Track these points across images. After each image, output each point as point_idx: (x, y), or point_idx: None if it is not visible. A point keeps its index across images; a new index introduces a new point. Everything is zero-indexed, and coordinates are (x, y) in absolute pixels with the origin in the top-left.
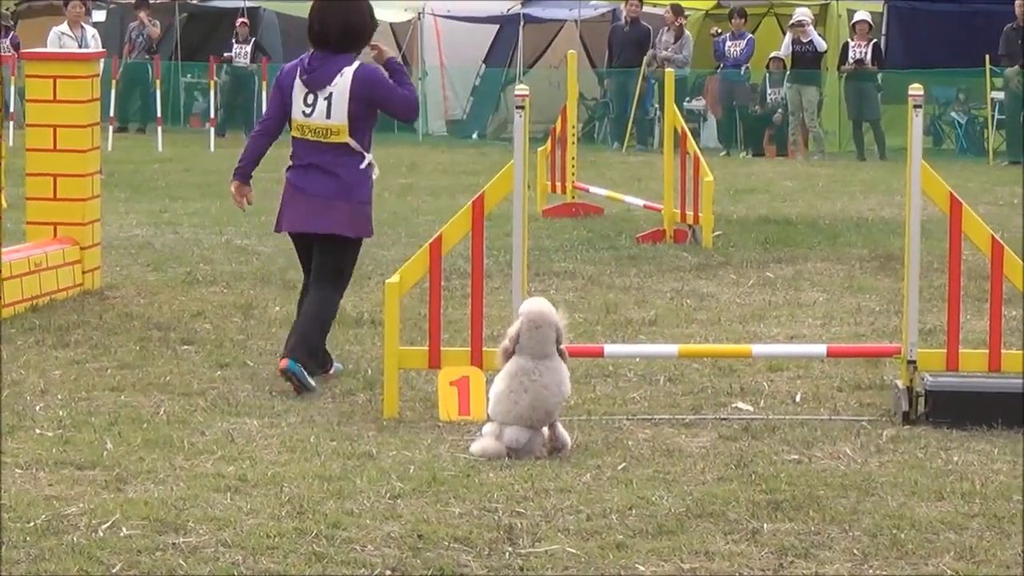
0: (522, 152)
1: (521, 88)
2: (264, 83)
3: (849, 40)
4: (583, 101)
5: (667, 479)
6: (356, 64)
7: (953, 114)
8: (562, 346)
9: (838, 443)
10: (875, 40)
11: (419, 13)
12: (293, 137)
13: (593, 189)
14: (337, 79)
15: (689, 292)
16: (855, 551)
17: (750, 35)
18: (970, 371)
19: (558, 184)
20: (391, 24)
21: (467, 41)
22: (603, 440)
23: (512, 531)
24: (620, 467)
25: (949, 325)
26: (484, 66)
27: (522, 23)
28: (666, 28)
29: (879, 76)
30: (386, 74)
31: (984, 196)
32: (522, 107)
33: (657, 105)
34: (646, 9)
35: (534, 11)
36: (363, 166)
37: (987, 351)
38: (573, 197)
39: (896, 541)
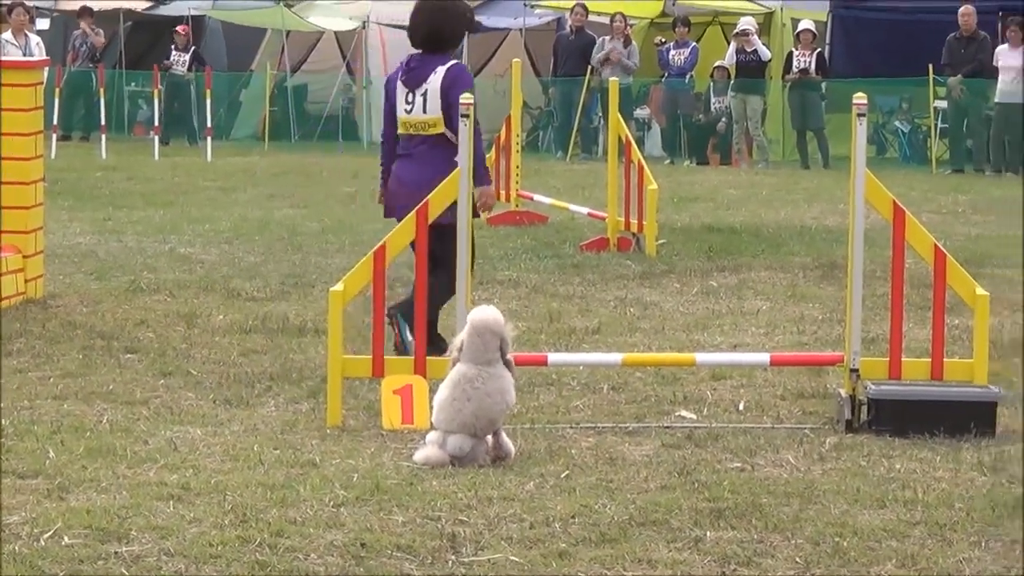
0: (467, 160)
1: (466, 97)
2: (208, 91)
3: (793, 49)
4: (527, 109)
5: (610, 487)
6: (450, 63)
7: (896, 123)
8: (508, 356)
9: (781, 451)
10: (819, 49)
11: (364, 22)
12: (399, 134)
13: (537, 197)
14: (432, 77)
15: (633, 301)
16: (797, 559)
17: (694, 44)
18: (912, 379)
19: (502, 192)
20: (336, 33)
21: (411, 50)
22: (546, 448)
23: (455, 539)
24: (563, 475)
25: (892, 334)
26: None
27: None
28: (609, 37)
29: (823, 85)
30: (471, 80)
31: (927, 204)
32: (467, 115)
33: (601, 114)
34: (591, 18)
35: (479, 19)
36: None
37: (929, 360)
38: (517, 205)
39: (838, 549)
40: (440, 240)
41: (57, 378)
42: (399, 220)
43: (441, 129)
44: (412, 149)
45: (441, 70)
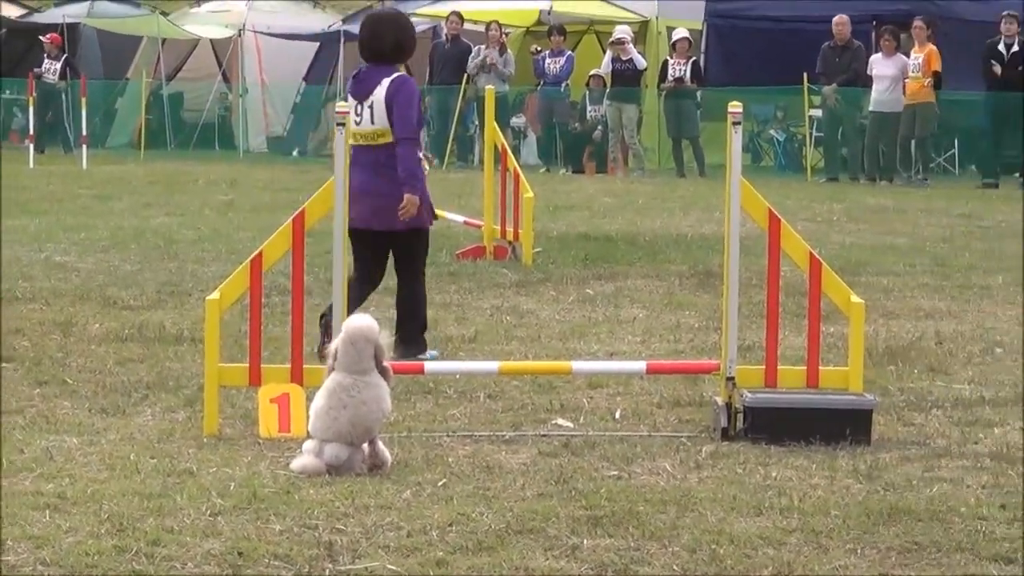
0: (343, 168)
1: (342, 105)
2: (83, 99)
3: (669, 58)
4: None
5: (487, 495)
6: (395, 75)
7: (772, 131)
8: (385, 363)
9: (658, 459)
10: (694, 58)
11: (239, 30)
12: (351, 144)
13: None
14: (376, 89)
15: (509, 309)
16: (674, 567)
17: (570, 52)
18: (788, 387)
19: None
20: (211, 40)
21: (288, 58)
22: (423, 457)
23: (332, 548)
24: (440, 484)
25: (768, 341)
26: (304, 83)
27: (343, 40)
28: (485, 46)
29: (698, 94)
30: (415, 91)
31: (802, 213)
32: (342, 123)
33: (477, 122)
34: (467, 26)
35: (355, 28)
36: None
37: (805, 367)
38: None
39: (715, 556)
40: (394, 248)
41: None
42: (353, 229)
43: (389, 139)
44: (363, 159)
45: (386, 82)
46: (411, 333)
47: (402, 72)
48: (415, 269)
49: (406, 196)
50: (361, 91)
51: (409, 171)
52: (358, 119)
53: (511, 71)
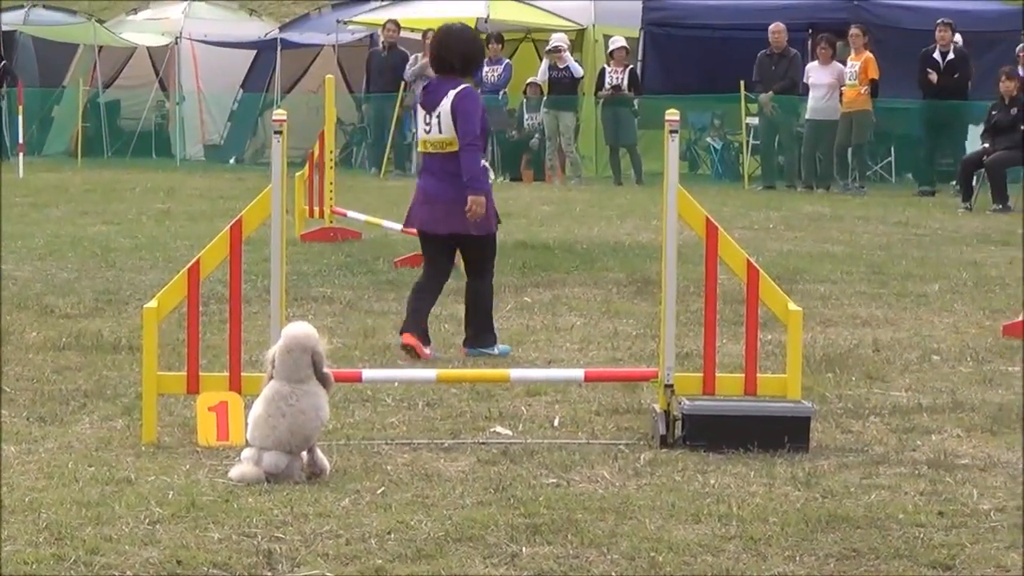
0: (280, 176)
1: (279, 113)
2: (20, 107)
3: (606, 66)
4: (341, 126)
5: (426, 503)
6: (460, 87)
7: (709, 139)
8: (325, 371)
9: (596, 467)
10: (631, 66)
11: (176, 38)
12: (420, 152)
13: (351, 214)
14: (443, 100)
15: (447, 317)
16: (613, 574)
17: (507, 60)
18: (726, 395)
19: (316, 209)
20: (148, 48)
21: (224, 66)
22: (362, 464)
23: (271, 556)
24: (379, 491)
25: (705, 349)
26: (242, 91)
27: (280, 48)
28: (422, 54)
29: (635, 102)
30: (479, 103)
31: (739, 220)
32: (280, 132)
33: (415, 130)
34: (404, 34)
35: (291, 36)
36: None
37: (743, 375)
38: (331, 222)
39: (654, 564)
40: (463, 250)
41: None
42: (423, 231)
43: (456, 147)
44: (433, 167)
45: (452, 93)
46: (482, 325)
47: (468, 84)
48: (484, 269)
49: (470, 198)
50: (430, 102)
51: (472, 174)
52: (428, 128)
53: None
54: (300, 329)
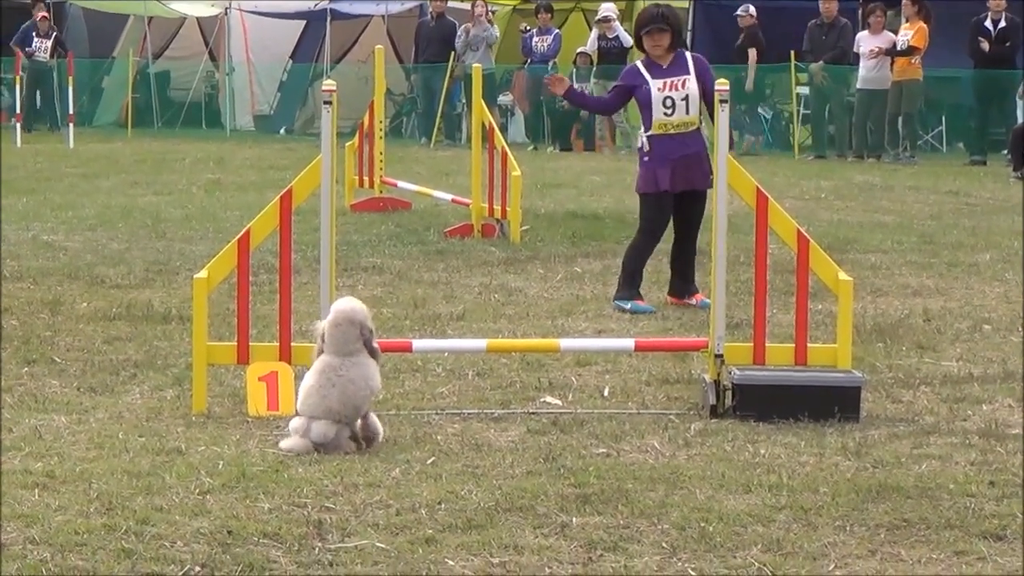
0: (330, 147)
1: (328, 83)
2: (70, 78)
3: None
4: (390, 96)
5: (476, 473)
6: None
7: (760, 109)
8: (374, 343)
9: (646, 437)
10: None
11: (226, 8)
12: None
13: (401, 184)
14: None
15: (497, 287)
16: (664, 544)
17: (557, 30)
18: (776, 364)
19: (366, 179)
20: (198, 19)
21: (274, 36)
22: (412, 435)
23: (321, 526)
24: (429, 461)
25: (756, 319)
26: (291, 61)
27: (329, 18)
28: (472, 25)
29: None
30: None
31: (790, 190)
32: (329, 102)
33: (464, 101)
34: (453, 4)
35: (341, 7)
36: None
37: (793, 345)
38: (381, 192)
39: (704, 534)
40: (694, 204)
41: None
42: (669, 191)
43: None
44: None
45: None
46: (691, 274)
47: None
48: (697, 223)
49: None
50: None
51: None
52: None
53: (495, 34)
54: (348, 304)
